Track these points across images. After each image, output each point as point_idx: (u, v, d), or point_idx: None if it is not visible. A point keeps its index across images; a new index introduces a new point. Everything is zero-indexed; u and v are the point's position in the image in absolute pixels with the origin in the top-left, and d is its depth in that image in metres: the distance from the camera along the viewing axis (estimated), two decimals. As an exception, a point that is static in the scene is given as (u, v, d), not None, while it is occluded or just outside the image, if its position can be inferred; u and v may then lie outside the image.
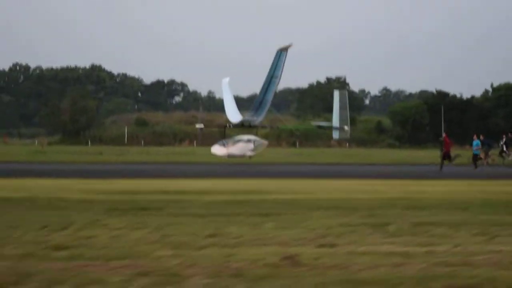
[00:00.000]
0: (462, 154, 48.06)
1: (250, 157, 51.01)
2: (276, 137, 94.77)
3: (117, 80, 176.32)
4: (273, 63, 43.26)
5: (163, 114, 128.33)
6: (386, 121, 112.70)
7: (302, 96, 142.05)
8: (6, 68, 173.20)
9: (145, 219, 15.06)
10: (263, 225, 14.22)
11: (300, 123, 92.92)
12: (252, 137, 51.98)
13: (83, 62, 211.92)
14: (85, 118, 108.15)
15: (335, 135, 52.79)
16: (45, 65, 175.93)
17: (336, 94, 52.98)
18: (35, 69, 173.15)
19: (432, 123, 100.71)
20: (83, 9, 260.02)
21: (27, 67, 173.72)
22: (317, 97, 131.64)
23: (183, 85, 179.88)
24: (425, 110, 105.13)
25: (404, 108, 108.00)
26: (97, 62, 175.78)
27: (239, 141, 51.21)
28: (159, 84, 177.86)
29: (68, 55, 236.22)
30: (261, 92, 45.90)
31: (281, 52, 42.74)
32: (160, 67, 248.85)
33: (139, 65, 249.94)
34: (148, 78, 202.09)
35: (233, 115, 56.09)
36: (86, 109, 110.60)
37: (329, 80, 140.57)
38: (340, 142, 78.58)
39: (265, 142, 52.63)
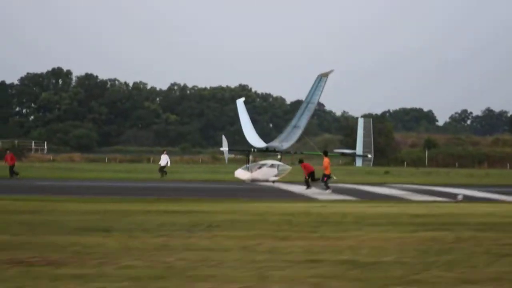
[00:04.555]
0: None
1: (273, 182, 50.45)
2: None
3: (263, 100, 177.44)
4: (311, 88, 42.56)
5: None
6: None
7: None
8: (164, 88, 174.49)
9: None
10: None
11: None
12: (275, 162, 51.47)
13: (229, 82, 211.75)
14: (384, 140, 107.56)
15: (358, 162, 52.58)
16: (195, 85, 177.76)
17: (361, 121, 52.88)
18: (191, 89, 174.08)
19: None
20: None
21: (184, 87, 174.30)
22: None
23: (320, 104, 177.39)
24: None
25: None
26: (243, 82, 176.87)
27: (263, 165, 50.70)
28: (298, 104, 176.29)
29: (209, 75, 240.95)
30: (295, 116, 45.18)
31: (321, 78, 42.02)
32: (297, 86, 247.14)
33: (279, 85, 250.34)
34: (288, 97, 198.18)
35: (253, 138, 55.39)
36: (385, 131, 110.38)
37: None
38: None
39: (289, 167, 52.09)
